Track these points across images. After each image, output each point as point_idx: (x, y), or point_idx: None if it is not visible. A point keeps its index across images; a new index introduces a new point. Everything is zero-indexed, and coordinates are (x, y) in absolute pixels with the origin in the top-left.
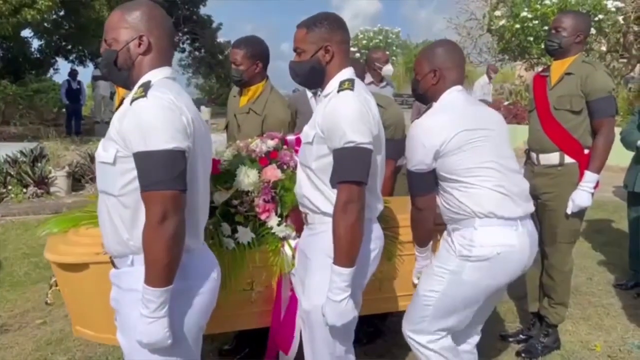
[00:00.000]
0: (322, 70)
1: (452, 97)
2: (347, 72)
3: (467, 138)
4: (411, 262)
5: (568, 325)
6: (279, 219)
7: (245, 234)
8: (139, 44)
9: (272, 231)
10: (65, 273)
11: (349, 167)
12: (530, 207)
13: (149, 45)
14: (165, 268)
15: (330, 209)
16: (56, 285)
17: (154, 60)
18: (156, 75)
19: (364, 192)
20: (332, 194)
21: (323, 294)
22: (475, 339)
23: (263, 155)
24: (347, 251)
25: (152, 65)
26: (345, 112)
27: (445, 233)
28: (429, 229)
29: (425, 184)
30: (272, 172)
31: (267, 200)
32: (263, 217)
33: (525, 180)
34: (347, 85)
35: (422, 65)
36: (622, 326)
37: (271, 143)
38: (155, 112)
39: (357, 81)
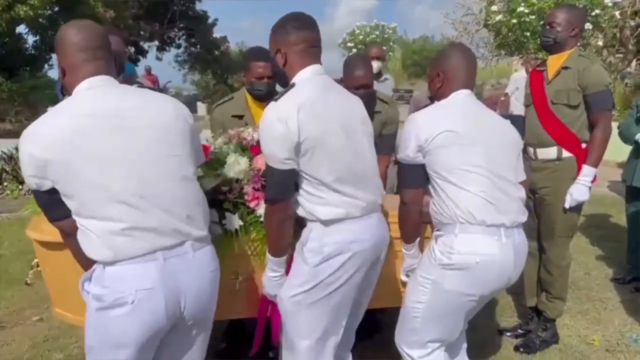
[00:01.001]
0: (283, 72)
1: (456, 99)
2: (301, 74)
3: (454, 139)
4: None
5: (566, 320)
6: None
7: (233, 221)
8: (61, 69)
9: (261, 220)
10: (46, 252)
11: (267, 185)
12: (521, 219)
13: (63, 69)
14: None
15: (300, 212)
16: (37, 267)
17: (72, 80)
18: (75, 92)
19: (284, 205)
20: (300, 197)
21: (290, 286)
22: (461, 335)
23: (254, 144)
24: (270, 245)
25: (73, 84)
26: (260, 131)
27: (432, 239)
28: (415, 224)
29: (411, 177)
30: (263, 161)
31: (257, 188)
32: (252, 204)
33: (521, 191)
34: (277, 96)
35: (431, 68)
36: (619, 320)
37: None
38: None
39: (303, 82)
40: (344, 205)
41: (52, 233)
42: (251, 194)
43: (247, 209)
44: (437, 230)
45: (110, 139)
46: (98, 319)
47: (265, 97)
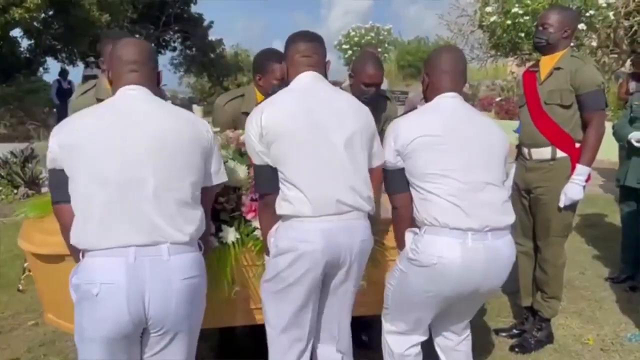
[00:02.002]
0: (289, 81)
1: (439, 102)
2: (292, 83)
3: (429, 143)
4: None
5: (561, 319)
6: None
7: (229, 234)
8: (108, 76)
9: (257, 233)
10: (39, 262)
11: (254, 181)
12: (495, 223)
13: (110, 80)
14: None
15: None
16: (29, 271)
17: (115, 88)
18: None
19: (270, 199)
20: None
21: (264, 274)
22: (458, 338)
23: None
24: (265, 241)
25: (114, 91)
26: None
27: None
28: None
29: (397, 182)
30: None
31: (254, 198)
32: (249, 216)
33: (501, 193)
34: None
35: (423, 69)
36: (614, 319)
37: None
38: None
39: (288, 87)
40: (296, 202)
41: (44, 244)
42: (248, 205)
43: (244, 220)
44: (416, 227)
45: (116, 134)
46: (76, 311)
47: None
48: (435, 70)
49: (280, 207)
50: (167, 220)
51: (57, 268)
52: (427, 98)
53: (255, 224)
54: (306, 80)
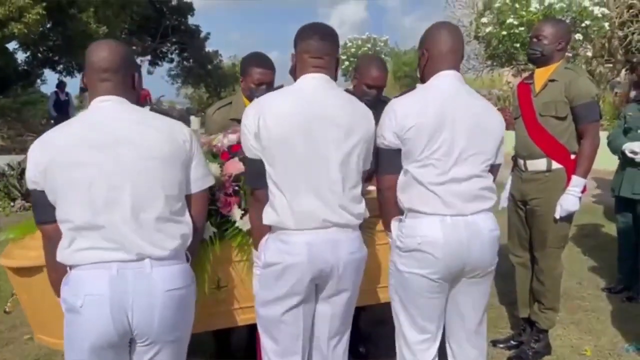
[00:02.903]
0: (295, 76)
1: (437, 82)
2: (299, 81)
3: (423, 129)
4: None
5: (558, 330)
6: (242, 211)
7: (205, 229)
8: (83, 80)
9: (236, 225)
10: (20, 279)
11: (245, 175)
12: (473, 209)
13: (86, 84)
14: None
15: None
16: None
17: (90, 96)
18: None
19: (260, 194)
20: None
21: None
22: (472, 352)
23: (225, 150)
24: (254, 239)
25: (90, 100)
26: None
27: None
28: (394, 212)
29: (391, 163)
30: (234, 165)
31: (229, 193)
32: (224, 211)
33: (484, 182)
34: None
35: (419, 46)
36: (611, 330)
37: (233, 137)
38: None
39: (291, 86)
40: (281, 213)
41: (23, 258)
42: (223, 200)
43: (220, 216)
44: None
45: (95, 155)
46: (65, 321)
47: None
48: (435, 45)
49: (266, 215)
50: (147, 239)
51: (36, 281)
52: (424, 76)
53: (234, 217)
54: (313, 84)
